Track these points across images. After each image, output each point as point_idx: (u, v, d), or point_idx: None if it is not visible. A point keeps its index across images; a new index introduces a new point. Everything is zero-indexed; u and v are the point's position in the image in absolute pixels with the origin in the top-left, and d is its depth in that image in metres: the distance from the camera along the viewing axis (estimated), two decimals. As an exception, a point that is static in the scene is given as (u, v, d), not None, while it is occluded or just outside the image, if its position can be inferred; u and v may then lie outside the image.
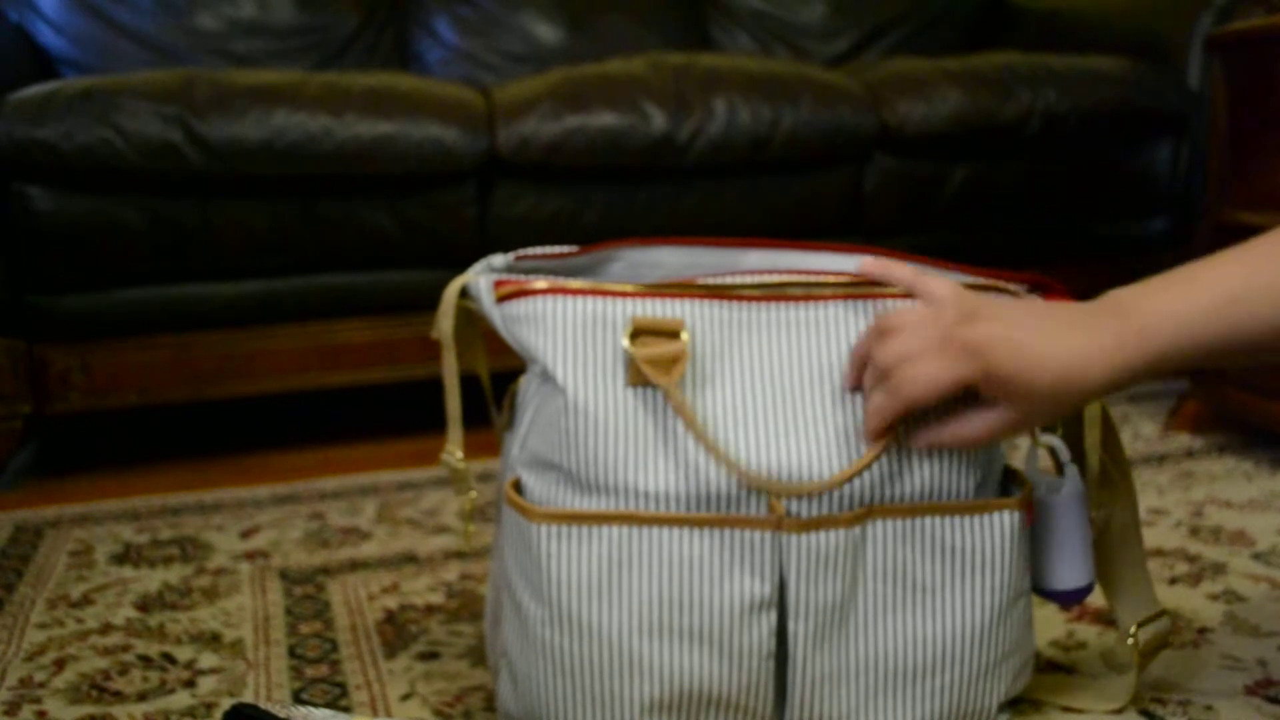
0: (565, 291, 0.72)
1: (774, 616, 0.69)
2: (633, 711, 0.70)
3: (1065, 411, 0.67)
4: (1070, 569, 0.77)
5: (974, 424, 0.68)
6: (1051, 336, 0.65)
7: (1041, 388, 0.65)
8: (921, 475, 0.70)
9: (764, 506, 0.69)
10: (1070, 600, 0.79)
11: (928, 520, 0.70)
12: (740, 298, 0.73)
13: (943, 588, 0.71)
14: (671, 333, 0.71)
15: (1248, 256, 0.65)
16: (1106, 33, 2.02)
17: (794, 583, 0.69)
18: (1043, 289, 0.79)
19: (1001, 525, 0.71)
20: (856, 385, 0.71)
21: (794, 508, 0.69)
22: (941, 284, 0.69)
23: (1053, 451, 0.78)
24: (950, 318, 0.67)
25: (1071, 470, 0.77)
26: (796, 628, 0.69)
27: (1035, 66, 1.78)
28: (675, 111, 1.59)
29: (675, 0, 2.27)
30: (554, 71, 1.70)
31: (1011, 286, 0.78)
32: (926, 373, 0.66)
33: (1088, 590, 0.78)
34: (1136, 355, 0.65)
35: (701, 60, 1.71)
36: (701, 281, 0.74)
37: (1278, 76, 1.34)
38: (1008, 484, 0.76)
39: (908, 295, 0.73)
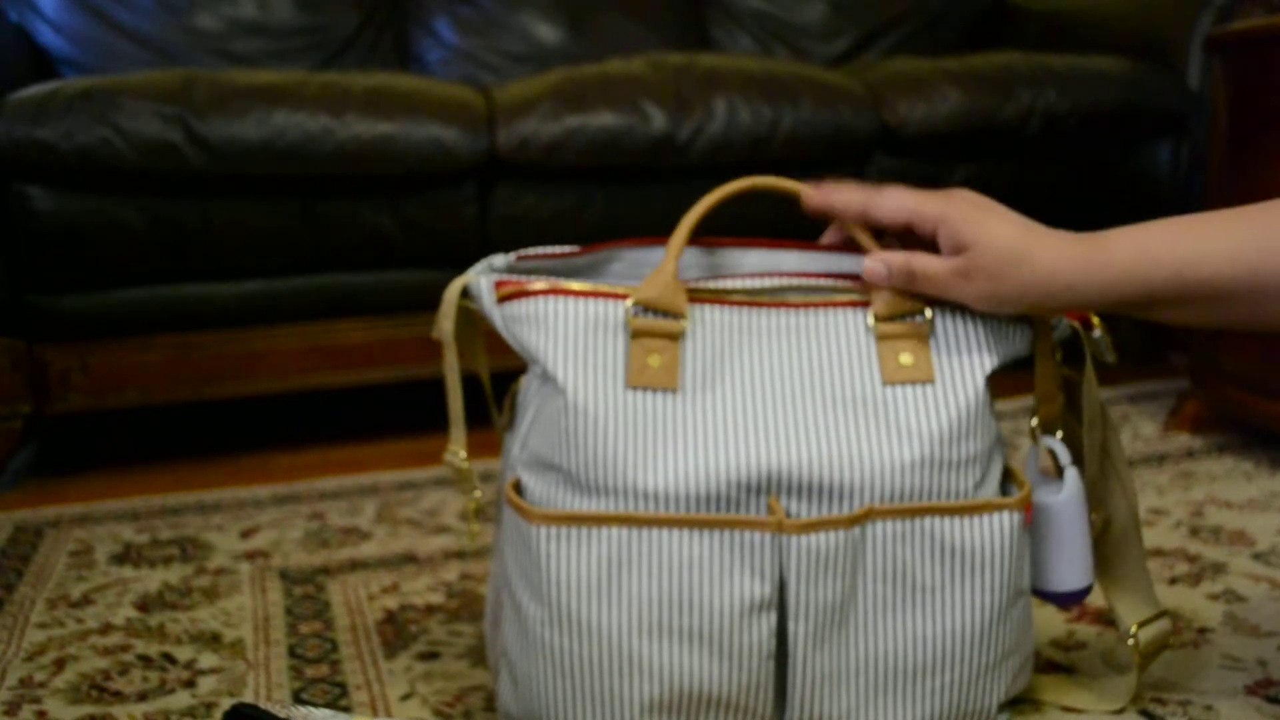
0: (566, 293, 0.72)
1: (774, 617, 0.69)
2: (633, 712, 0.70)
3: (1008, 284, 0.69)
4: (1069, 570, 0.77)
5: (928, 262, 0.71)
6: (1016, 225, 0.70)
7: (991, 249, 0.69)
8: (920, 474, 0.70)
9: (764, 507, 0.69)
10: (1069, 602, 0.79)
11: (927, 520, 0.70)
12: (741, 303, 0.74)
13: (942, 588, 0.71)
14: (672, 335, 0.71)
15: (1229, 213, 0.69)
16: (1106, 33, 2.02)
17: (794, 583, 0.69)
18: None
19: (1001, 525, 0.72)
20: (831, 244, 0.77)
21: (793, 508, 0.69)
22: (896, 193, 0.74)
23: (1052, 453, 0.78)
24: (934, 192, 0.72)
25: (1072, 472, 0.77)
26: (796, 628, 0.69)
27: (1035, 66, 1.78)
28: (675, 111, 1.59)
29: (675, 0, 2.27)
30: (554, 71, 1.70)
31: None
32: (901, 196, 0.72)
33: (1086, 592, 0.79)
34: (1100, 269, 0.68)
35: (701, 60, 1.71)
36: (702, 285, 0.74)
37: (1278, 76, 1.34)
38: (1007, 484, 0.76)
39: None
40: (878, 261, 0.73)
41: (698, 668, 0.69)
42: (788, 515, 0.69)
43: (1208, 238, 0.67)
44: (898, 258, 0.72)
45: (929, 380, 0.72)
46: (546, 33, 2.16)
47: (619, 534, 0.68)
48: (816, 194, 0.75)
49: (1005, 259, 0.68)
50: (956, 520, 0.71)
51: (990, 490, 0.73)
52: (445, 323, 0.77)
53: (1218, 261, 0.66)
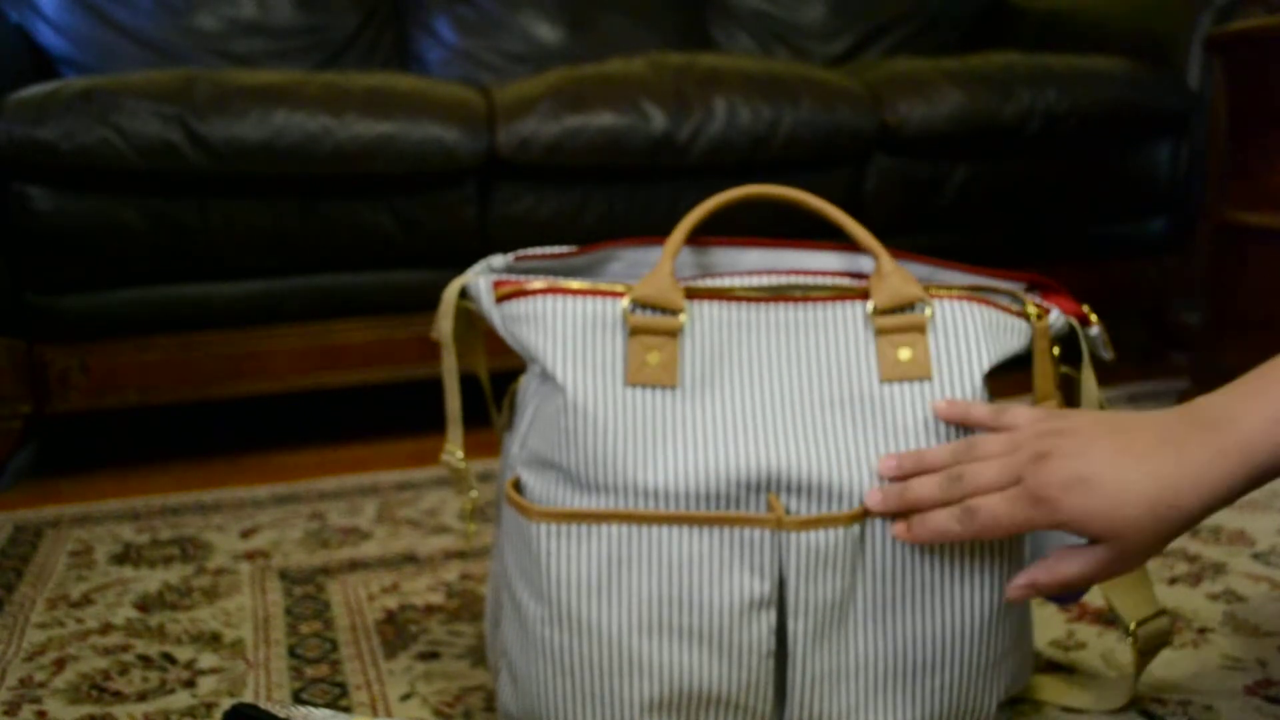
0: (564, 291, 0.72)
1: (773, 615, 0.69)
2: (632, 710, 0.70)
3: (1164, 542, 0.62)
4: None
5: (1069, 563, 0.64)
6: (1131, 468, 0.61)
7: (1126, 525, 0.60)
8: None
9: (763, 505, 0.69)
10: (1067, 600, 0.79)
11: None
12: (740, 298, 0.73)
13: (941, 586, 0.71)
14: (670, 332, 0.71)
15: None
16: (1106, 33, 2.02)
17: (793, 581, 0.69)
18: (1042, 288, 0.79)
19: None
20: (898, 476, 0.69)
21: (793, 506, 0.69)
22: (1021, 413, 0.67)
23: None
24: (1025, 456, 0.64)
25: None
26: (796, 626, 0.69)
27: (1035, 66, 1.78)
28: (675, 111, 1.59)
29: (675, 0, 2.27)
30: (554, 71, 1.70)
31: (1007, 285, 0.78)
32: (998, 512, 0.64)
33: (1083, 590, 0.78)
34: (1238, 468, 0.60)
35: (701, 60, 1.71)
36: (701, 283, 0.74)
37: (1278, 76, 1.35)
38: None
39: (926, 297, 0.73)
40: (1022, 590, 0.66)
41: (697, 666, 0.69)
42: (787, 513, 0.69)
43: None
44: (1042, 577, 0.65)
45: (927, 377, 0.72)
46: (546, 33, 2.16)
47: (618, 531, 0.68)
48: (907, 531, 0.68)
49: (1153, 526, 0.60)
50: None
51: None
52: (444, 323, 0.77)
53: None
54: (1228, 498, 0.60)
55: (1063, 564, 0.64)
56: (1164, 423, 0.62)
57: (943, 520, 0.66)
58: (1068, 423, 0.65)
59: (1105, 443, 0.62)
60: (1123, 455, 0.61)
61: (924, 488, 0.68)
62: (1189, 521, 0.61)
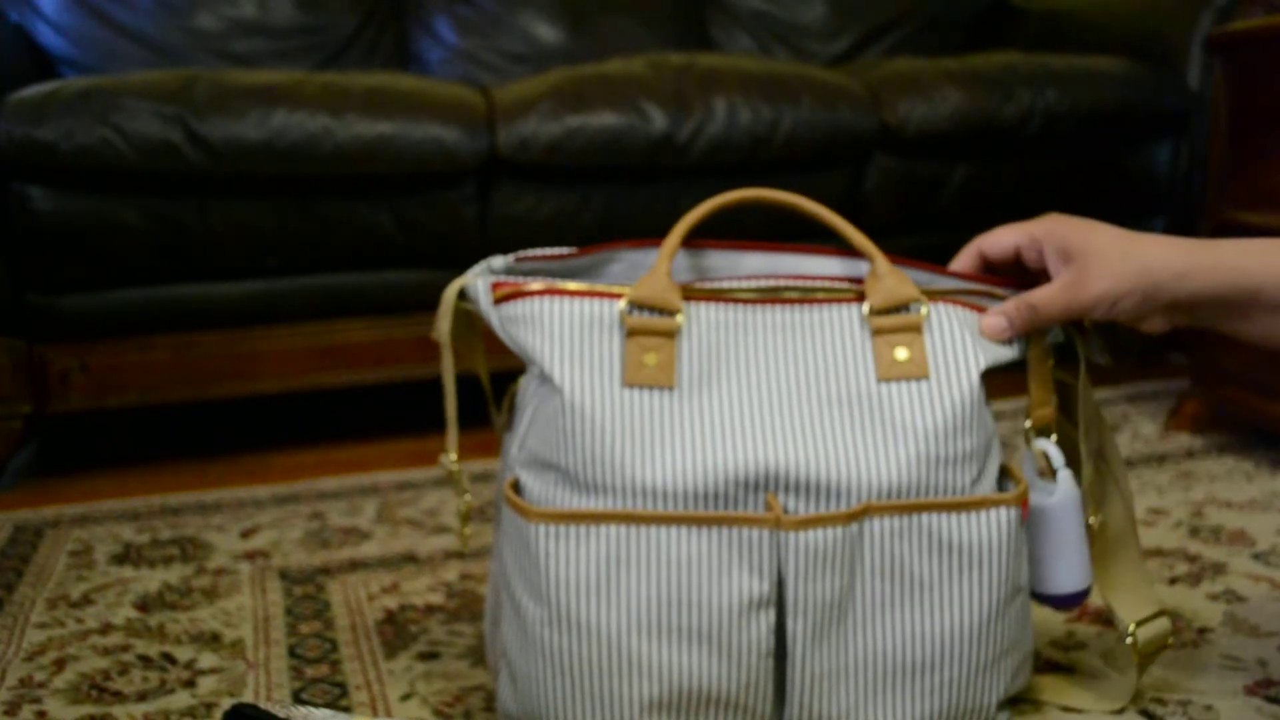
0: (562, 293, 0.73)
1: (773, 614, 0.69)
2: (632, 710, 0.70)
3: (1123, 278, 0.71)
4: (1066, 573, 0.77)
5: (1041, 291, 0.73)
6: (1114, 228, 0.73)
7: (1097, 241, 0.71)
8: (917, 470, 0.71)
9: (761, 504, 0.69)
10: (1067, 604, 0.78)
11: (925, 517, 0.71)
12: (737, 300, 0.74)
13: (940, 584, 0.71)
14: (667, 333, 0.71)
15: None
16: (1106, 33, 2.02)
17: (792, 580, 0.69)
18: None
19: (998, 521, 0.72)
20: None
21: (791, 505, 0.69)
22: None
23: (1046, 456, 0.78)
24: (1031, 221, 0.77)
25: (1065, 474, 0.77)
26: (795, 625, 0.70)
27: (1035, 66, 1.78)
28: (675, 111, 1.59)
29: (675, 0, 2.27)
30: (554, 71, 1.70)
31: (1004, 292, 0.78)
32: (1003, 231, 0.76)
33: (1085, 594, 0.78)
34: (1201, 254, 0.71)
35: (701, 60, 1.71)
36: (699, 285, 0.75)
37: (1278, 76, 1.34)
38: (1004, 481, 0.77)
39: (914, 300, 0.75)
40: (996, 316, 0.74)
41: (697, 666, 0.69)
42: (785, 512, 0.69)
43: None
44: (1009, 304, 0.74)
45: (924, 376, 0.72)
46: (546, 33, 2.15)
47: (617, 532, 0.68)
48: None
49: (1114, 254, 0.71)
50: (954, 516, 0.71)
51: (987, 486, 0.74)
52: (443, 324, 0.77)
53: None
54: (1184, 272, 0.71)
55: (1032, 292, 0.74)
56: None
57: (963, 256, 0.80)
58: None
59: (1100, 223, 0.75)
60: (1116, 228, 0.74)
61: None
62: (1146, 268, 0.71)
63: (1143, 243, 0.72)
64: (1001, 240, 0.77)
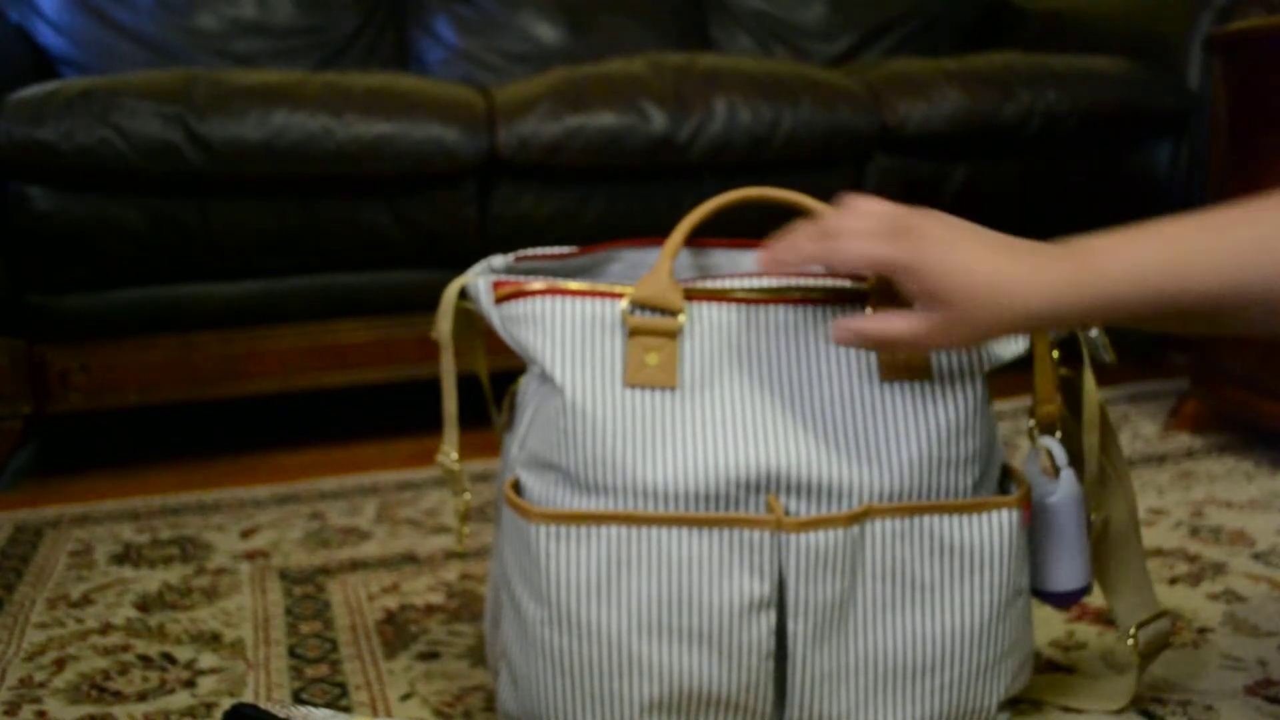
0: (563, 292, 0.72)
1: (773, 616, 0.69)
2: (633, 711, 0.70)
3: (992, 328, 0.64)
4: (1067, 571, 0.77)
5: (896, 322, 0.66)
6: (992, 251, 0.64)
7: (965, 291, 0.63)
8: (919, 472, 0.70)
9: (763, 504, 0.69)
10: (1066, 602, 0.79)
11: (926, 519, 0.70)
12: (739, 300, 0.73)
13: (941, 586, 0.71)
14: (669, 333, 0.71)
15: (1214, 221, 0.65)
16: (1106, 33, 2.02)
17: (793, 582, 0.69)
18: None
19: (1000, 523, 0.72)
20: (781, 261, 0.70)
21: (792, 507, 0.69)
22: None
23: (1049, 454, 0.78)
24: (905, 211, 0.67)
25: (1067, 473, 0.77)
26: (796, 627, 0.69)
27: (1035, 66, 1.78)
28: (675, 111, 1.59)
29: (675, 0, 2.27)
30: (554, 71, 1.70)
31: None
32: (861, 244, 0.66)
33: (1083, 592, 0.78)
34: (1085, 289, 0.63)
35: (701, 60, 1.71)
36: (700, 284, 0.74)
37: (1278, 76, 1.34)
38: (1006, 482, 0.77)
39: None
40: (846, 332, 0.68)
41: (697, 667, 0.69)
42: (786, 514, 0.69)
43: (1190, 250, 0.63)
44: (870, 327, 0.67)
45: (927, 377, 0.72)
46: (546, 33, 2.15)
47: (618, 533, 0.68)
48: (768, 258, 0.70)
49: (981, 300, 0.63)
50: (956, 518, 0.71)
51: (989, 488, 0.74)
52: (443, 323, 0.77)
53: (1201, 276, 0.63)
54: (1068, 314, 0.63)
55: (893, 320, 0.66)
56: (1030, 243, 0.66)
57: (796, 243, 0.68)
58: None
59: (979, 231, 0.66)
60: (980, 244, 0.65)
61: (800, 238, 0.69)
62: (1015, 314, 0.63)
63: (1024, 288, 0.63)
64: (855, 258, 0.66)
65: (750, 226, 1.59)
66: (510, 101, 1.59)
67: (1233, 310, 0.63)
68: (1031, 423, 0.78)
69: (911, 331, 0.66)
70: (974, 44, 2.36)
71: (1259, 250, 0.62)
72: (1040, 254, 0.64)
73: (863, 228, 0.66)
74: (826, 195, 1.72)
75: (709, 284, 0.74)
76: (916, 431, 0.71)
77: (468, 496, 0.82)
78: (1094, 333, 0.77)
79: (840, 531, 0.69)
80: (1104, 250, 0.64)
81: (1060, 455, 0.77)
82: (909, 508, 0.70)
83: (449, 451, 0.79)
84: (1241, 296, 0.63)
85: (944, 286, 0.64)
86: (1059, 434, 0.79)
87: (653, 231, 1.63)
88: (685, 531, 0.68)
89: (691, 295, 0.73)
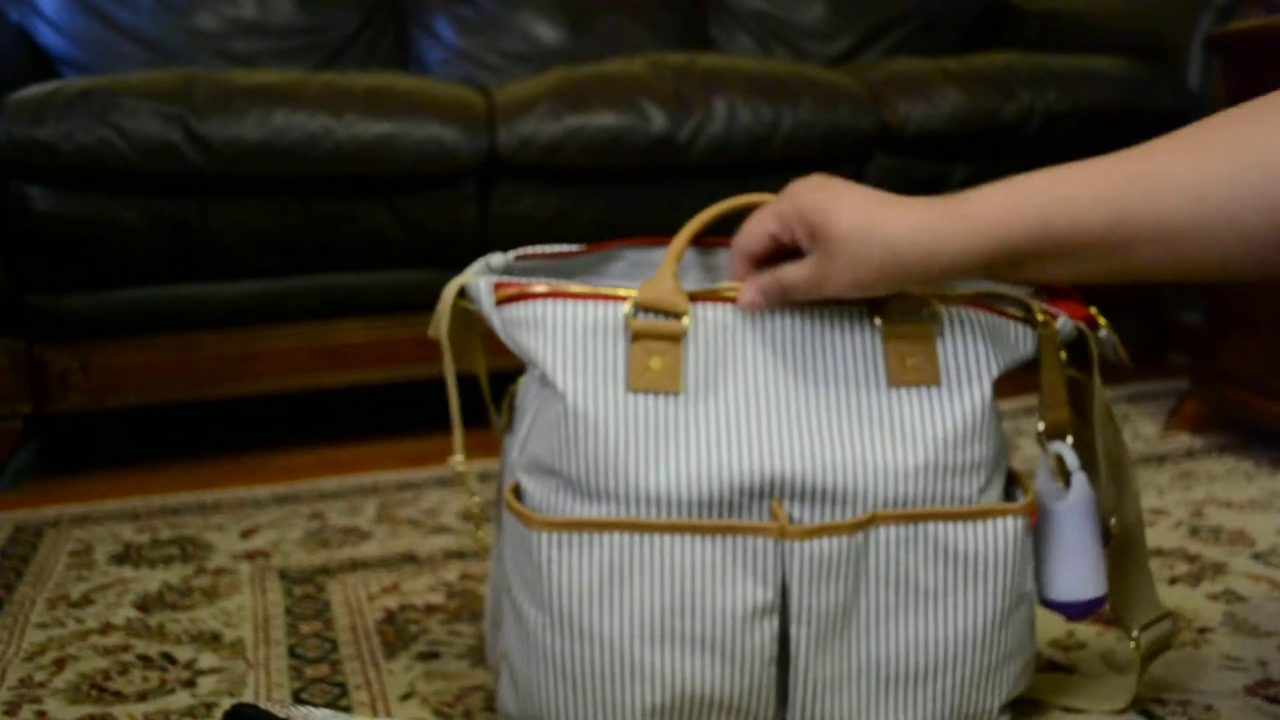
0: (566, 295, 0.71)
1: (776, 622, 0.69)
2: (634, 716, 0.69)
3: (868, 266, 0.65)
4: (1079, 579, 0.75)
5: (788, 270, 0.69)
6: (862, 194, 0.66)
7: (836, 226, 0.65)
8: (924, 479, 0.70)
9: (766, 510, 0.69)
10: (1078, 612, 0.76)
11: (931, 526, 0.70)
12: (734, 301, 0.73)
13: (945, 592, 0.71)
14: (673, 337, 0.71)
15: (1101, 160, 0.65)
16: (1106, 33, 2.02)
17: (796, 589, 0.68)
18: (1050, 293, 0.79)
19: (1005, 531, 0.71)
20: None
21: (796, 513, 0.69)
22: None
23: (1059, 459, 0.76)
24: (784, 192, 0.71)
25: (1080, 478, 0.75)
26: (799, 633, 0.69)
27: (1035, 66, 1.78)
28: (675, 111, 1.59)
29: (675, 0, 2.27)
30: (554, 71, 1.70)
31: (1014, 291, 0.78)
32: (755, 220, 0.71)
33: (1097, 604, 0.76)
34: (964, 237, 0.64)
35: (701, 60, 1.71)
36: (704, 289, 0.74)
37: (1278, 76, 1.34)
38: (1011, 489, 0.76)
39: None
40: (749, 289, 0.71)
41: (700, 673, 0.69)
42: (790, 520, 0.68)
43: (1072, 184, 0.63)
44: (764, 278, 0.70)
45: (935, 383, 0.71)
46: (546, 33, 2.15)
47: (621, 540, 0.68)
48: (745, 302, 0.73)
49: (855, 240, 0.65)
50: (961, 525, 0.70)
51: (994, 495, 0.73)
52: (441, 323, 0.76)
53: (1086, 208, 0.62)
54: (935, 250, 0.64)
55: (785, 270, 0.69)
56: (914, 198, 0.67)
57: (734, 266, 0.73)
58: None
59: (849, 185, 0.68)
60: (859, 191, 0.67)
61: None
62: (891, 253, 0.64)
63: (887, 221, 0.64)
64: (756, 235, 0.71)
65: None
66: (510, 101, 1.59)
67: (1124, 245, 0.62)
68: (1041, 427, 0.77)
69: (800, 275, 0.68)
70: (974, 44, 2.35)
71: (1146, 181, 0.61)
72: (915, 202, 0.66)
73: (761, 210, 0.71)
74: (826, 195, 1.72)
75: (714, 287, 0.74)
76: (924, 438, 0.70)
77: (478, 499, 0.82)
78: (1103, 333, 0.76)
79: (844, 539, 0.68)
80: (978, 191, 0.65)
81: (1072, 460, 0.76)
82: (914, 514, 0.70)
83: (454, 454, 0.78)
84: (1122, 229, 0.61)
85: (822, 227, 0.66)
86: (1070, 438, 0.77)
87: (653, 231, 1.63)
88: (688, 539, 0.68)
89: (695, 297, 0.72)
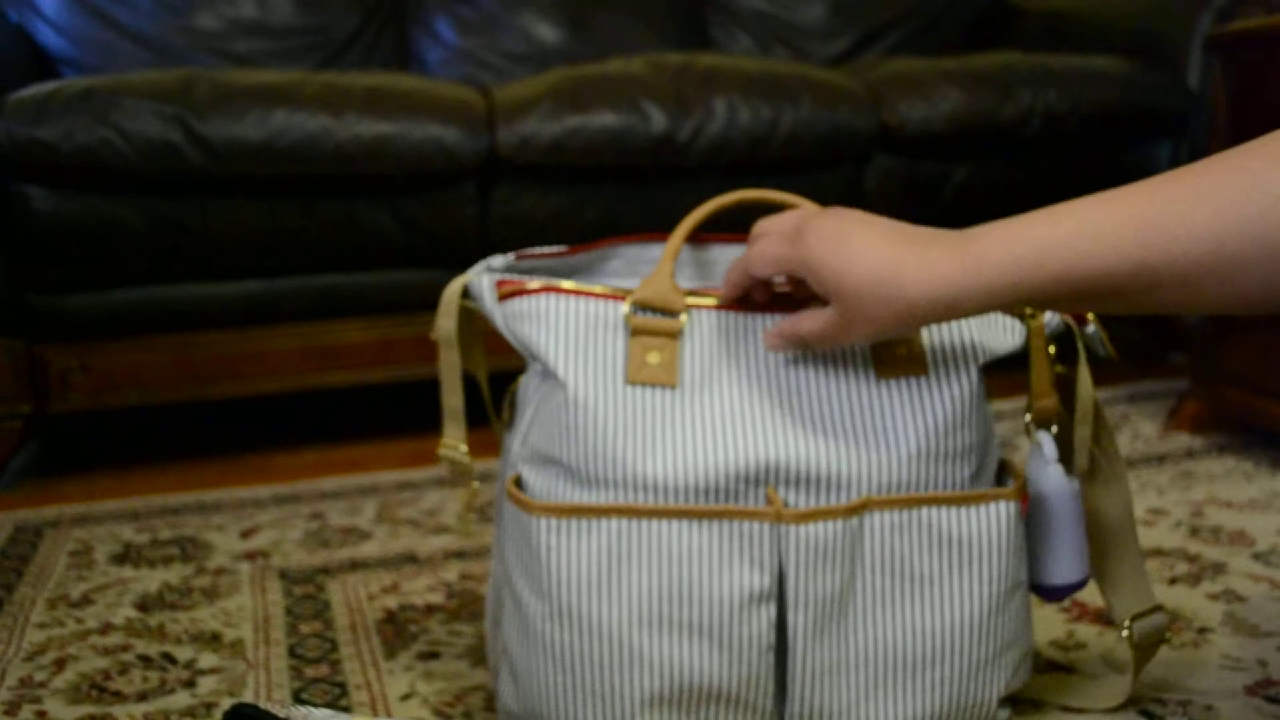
0: (567, 292, 0.73)
1: (773, 608, 0.70)
2: (633, 705, 0.70)
3: (888, 321, 0.65)
4: (1063, 564, 0.77)
5: (806, 321, 0.69)
6: (878, 241, 0.65)
7: (852, 284, 0.65)
8: (916, 465, 0.71)
9: (762, 497, 0.69)
10: (1058, 595, 0.78)
11: (924, 511, 0.71)
12: (737, 308, 0.74)
13: (941, 578, 0.71)
14: (670, 334, 0.72)
15: (1101, 200, 0.64)
16: (1106, 33, 2.02)
17: (793, 574, 0.69)
18: None
19: (998, 515, 0.72)
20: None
21: (791, 499, 0.70)
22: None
23: (1039, 447, 0.78)
24: (810, 211, 0.70)
25: (1054, 468, 0.77)
26: (796, 620, 0.70)
27: (1035, 66, 1.78)
28: (675, 111, 1.59)
29: (675, 0, 2.27)
30: (554, 71, 1.70)
31: None
32: (766, 248, 0.70)
33: (1076, 586, 0.78)
34: (971, 278, 0.63)
35: (701, 60, 1.71)
36: (699, 289, 0.75)
37: (1278, 76, 1.34)
38: (1003, 475, 0.77)
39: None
40: (773, 338, 0.72)
41: (697, 660, 0.69)
42: (786, 506, 0.69)
43: (1092, 237, 0.62)
44: (786, 327, 0.71)
45: (923, 373, 0.72)
46: (546, 33, 2.15)
47: (618, 525, 0.68)
48: (727, 293, 0.74)
49: (872, 300, 0.64)
50: (954, 510, 0.71)
51: (986, 481, 0.74)
52: (445, 321, 0.77)
53: (1105, 261, 0.61)
54: (955, 303, 0.63)
55: (804, 320, 0.69)
56: (919, 230, 0.66)
57: (730, 273, 0.74)
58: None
59: (870, 221, 0.67)
60: (873, 236, 0.66)
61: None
62: (910, 309, 0.64)
63: (905, 280, 0.63)
64: (765, 268, 0.71)
65: (749, 224, 1.60)
66: (510, 101, 1.59)
67: (1143, 291, 0.62)
68: (1028, 417, 0.79)
69: (819, 328, 0.68)
70: (974, 44, 2.36)
71: (1164, 231, 0.60)
72: (934, 245, 0.65)
73: (772, 232, 0.70)
74: (826, 195, 1.73)
75: (711, 286, 0.75)
76: (914, 425, 0.71)
77: (476, 485, 0.82)
78: (1091, 328, 0.77)
79: (839, 523, 0.69)
80: (991, 236, 0.64)
81: (1049, 449, 0.77)
82: (907, 500, 0.71)
83: (457, 445, 0.79)
84: (1148, 276, 0.61)
85: (836, 283, 0.65)
86: (1055, 429, 0.79)
87: (652, 231, 1.63)
88: (685, 524, 0.68)
89: (692, 302, 0.74)
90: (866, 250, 0.65)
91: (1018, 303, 0.64)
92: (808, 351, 0.72)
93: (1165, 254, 0.60)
